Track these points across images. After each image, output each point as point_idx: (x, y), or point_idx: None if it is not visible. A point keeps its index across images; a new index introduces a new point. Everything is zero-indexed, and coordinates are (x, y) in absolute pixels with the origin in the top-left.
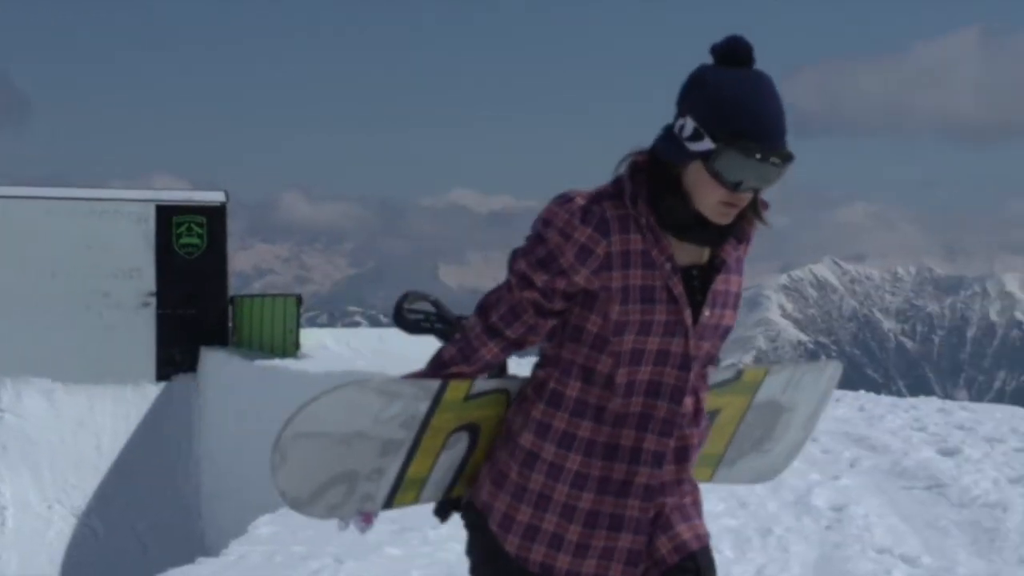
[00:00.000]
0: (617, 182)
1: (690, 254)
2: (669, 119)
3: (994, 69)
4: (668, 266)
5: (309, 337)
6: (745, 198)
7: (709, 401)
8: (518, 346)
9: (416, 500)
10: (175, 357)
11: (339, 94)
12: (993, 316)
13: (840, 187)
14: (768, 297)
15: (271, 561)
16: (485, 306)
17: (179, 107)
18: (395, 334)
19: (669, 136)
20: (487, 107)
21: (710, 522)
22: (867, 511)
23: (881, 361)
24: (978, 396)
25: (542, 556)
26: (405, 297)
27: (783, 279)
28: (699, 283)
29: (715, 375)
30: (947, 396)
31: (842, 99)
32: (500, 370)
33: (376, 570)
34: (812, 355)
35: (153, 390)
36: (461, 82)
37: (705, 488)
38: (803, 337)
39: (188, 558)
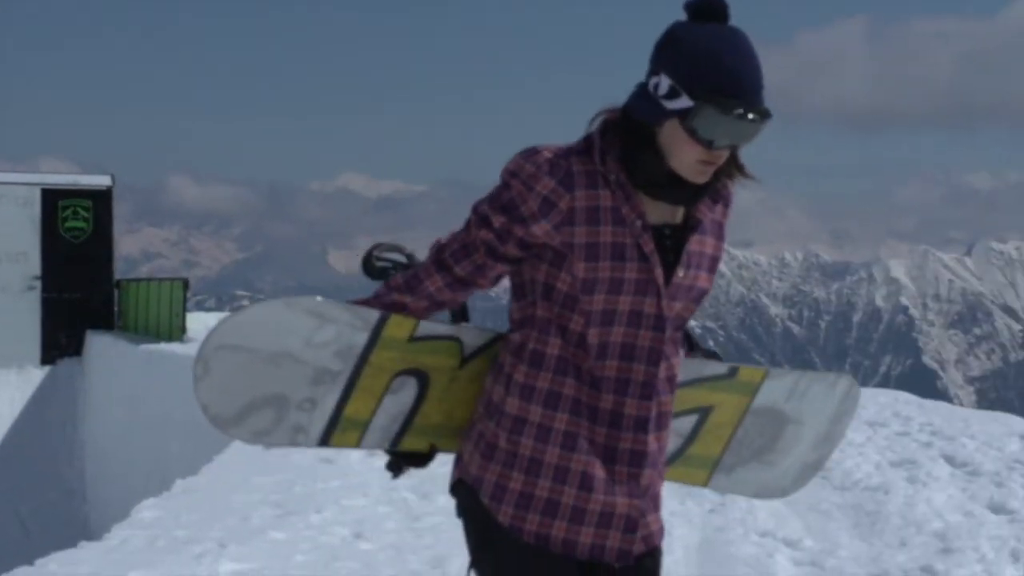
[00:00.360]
0: (587, 139)
1: (663, 213)
2: (549, 100)
3: (881, 58)
4: (639, 223)
5: (196, 321)
6: (722, 156)
7: (700, 396)
8: (464, 285)
9: (358, 444)
10: (60, 341)
11: (227, 78)
12: (879, 301)
13: None
14: None
15: (153, 545)
16: (440, 244)
17: (66, 91)
18: None
19: (643, 94)
20: (375, 92)
21: None
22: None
23: (768, 346)
24: (864, 381)
25: (536, 526)
26: (376, 246)
27: None
28: (672, 243)
29: (705, 368)
30: None
31: None
32: (461, 314)
33: (260, 554)
34: (700, 339)
35: (38, 374)
36: (349, 66)
37: None
38: (691, 322)
39: (71, 542)
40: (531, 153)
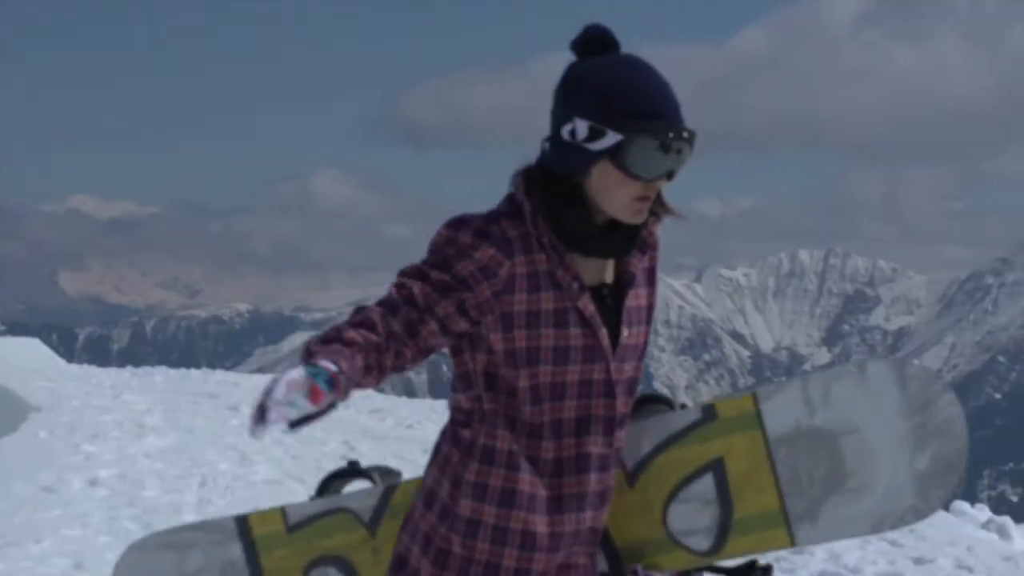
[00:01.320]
0: (511, 200)
1: (595, 272)
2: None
3: None
4: (575, 286)
5: None
6: (657, 188)
7: (696, 453)
8: (395, 344)
9: None
10: None
11: None
12: None
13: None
14: None
15: None
16: (365, 308)
17: None
18: (11, 342)
19: (561, 146)
20: (105, 112)
21: None
22: None
23: None
24: None
25: None
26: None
27: None
28: (611, 301)
29: (673, 421)
30: None
31: (461, 112)
32: (324, 487)
33: None
34: (433, 364)
35: None
36: (78, 86)
37: None
38: None
39: None
40: (460, 223)
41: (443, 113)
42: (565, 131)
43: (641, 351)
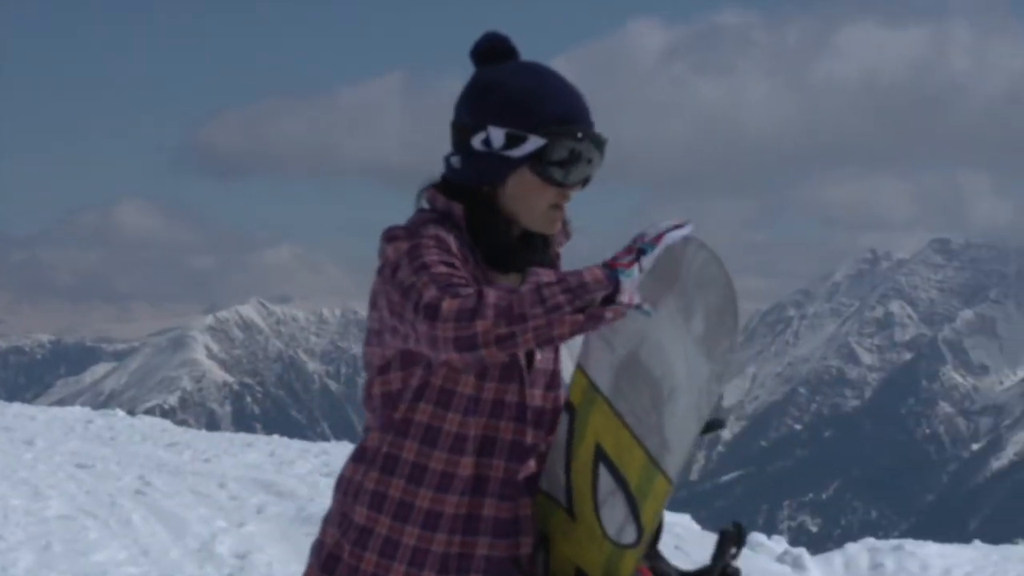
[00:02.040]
0: (431, 211)
1: None
2: None
3: (417, 115)
4: None
5: None
6: (569, 197)
7: (585, 450)
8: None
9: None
10: None
11: None
12: None
13: (266, 228)
14: (194, 338)
15: None
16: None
17: None
18: None
19: (473, 158)
20: None
21: (110, 571)
22: (271, 558)
23: (306, 403)
24: None
25: None
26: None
27: (209, 320)
28: None
29: (559, 437)
30: None
31: (267, 140)
32: None
33: None
34: (237, 396)
35: None
36: None
37: (107, 535)
38: (229, 378)
39: None
40: (412, 226)
41: (247, 142)
42: (476, 141)
43: (550, 378)
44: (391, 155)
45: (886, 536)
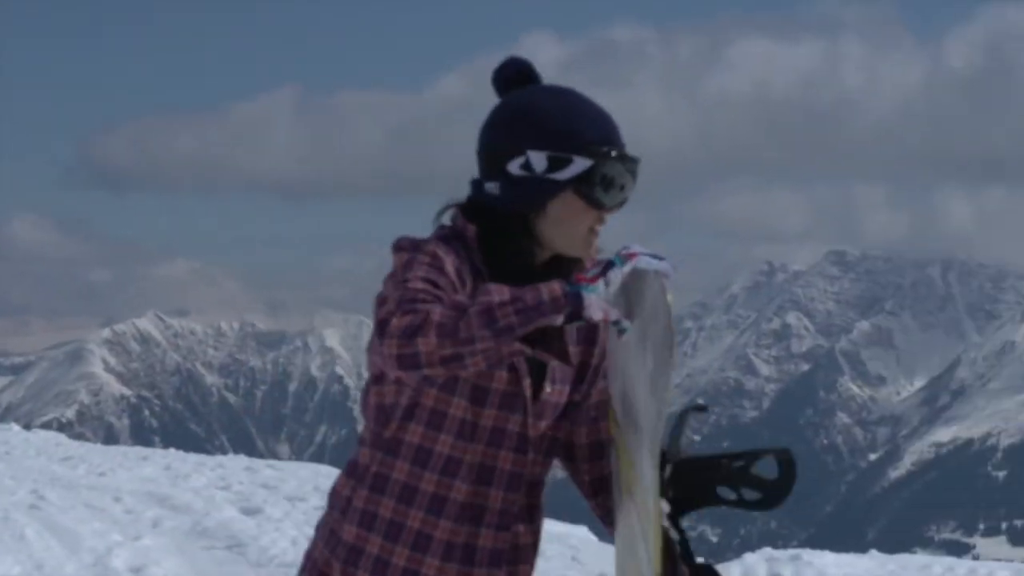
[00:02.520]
0: (451, 228)
1: None
2: None
3: (311, 128)
4: None
5: None
6: (605, 221)
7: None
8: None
9: None
10: None
11: None
12: (314, 371)
13: (161, 242)
14: (91, 351)
15: None
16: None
17: None
18: None
19: (513, 182)
20: None
21: None
22: (166, 572)
23: (204, 416)
24: (300, 451)
25: None
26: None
27: (106, 333)
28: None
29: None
30: (269, 450)
31: (159, 154)
32: None
33: None
34: (135, 409)
35: None
36: None
37: (0, 550)
38: (126, 392)
39: None
40: (417, 239)
41: (139, 155)
42: (514, 166)
43: (561, 411)
44: (284, 169)
45: (785, 546)
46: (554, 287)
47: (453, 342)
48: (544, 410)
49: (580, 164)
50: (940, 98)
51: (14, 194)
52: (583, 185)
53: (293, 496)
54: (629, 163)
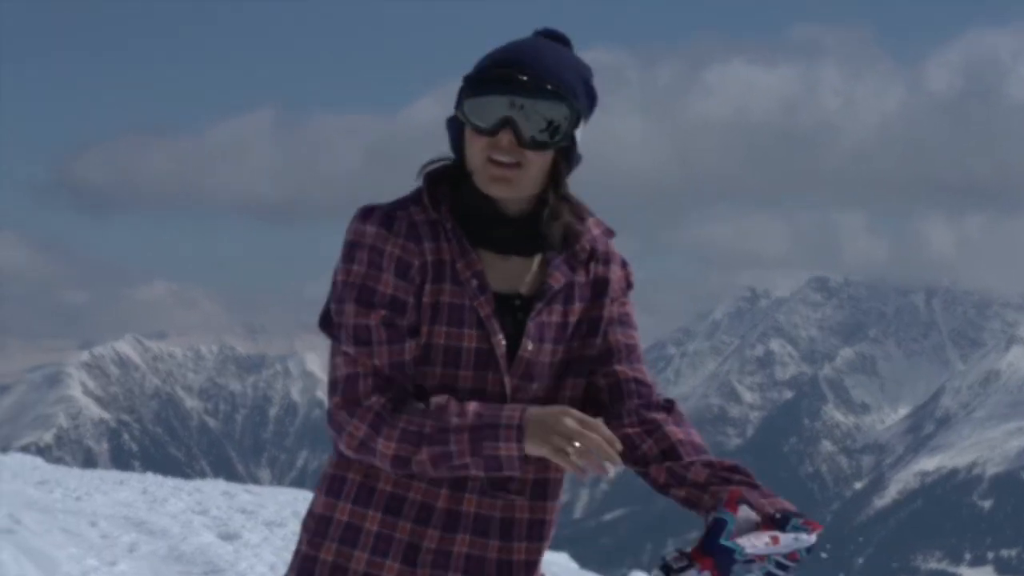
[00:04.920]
0: (417, 190)
1: (509, 278)
2: None
3: (287, 150)
4: (475, 283)
5: None
6: (503, 143)
7: None
8: (393, 379)
9: None
10: None
11: None
12: (295, 395)
13: (140, 264)
14: (70, 375)
15: None
16: (335, 386)
17: None
18: None
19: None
20: None
21: None
22: None
23: (184, 440)
24: (280, 475)
25: None
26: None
27: (85, 356)
28: (524, 315)
29: None
30: (250, 475)
31: (136, 176)
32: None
33: None
34: (114, 433)
35: None
36: None
37: None
38: (105, 415)
39: None
40: (366, 214)
41: (117, 177)
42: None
43: (558, 371)
44: (262, 190)
45: None
46: (511, 447)
47: (407, 468)
48: (532, 371)
49: (461, 93)
50: (922, 123)
51: None
52: (460, 110)
53: (271, 521)
54: (506, 86)
